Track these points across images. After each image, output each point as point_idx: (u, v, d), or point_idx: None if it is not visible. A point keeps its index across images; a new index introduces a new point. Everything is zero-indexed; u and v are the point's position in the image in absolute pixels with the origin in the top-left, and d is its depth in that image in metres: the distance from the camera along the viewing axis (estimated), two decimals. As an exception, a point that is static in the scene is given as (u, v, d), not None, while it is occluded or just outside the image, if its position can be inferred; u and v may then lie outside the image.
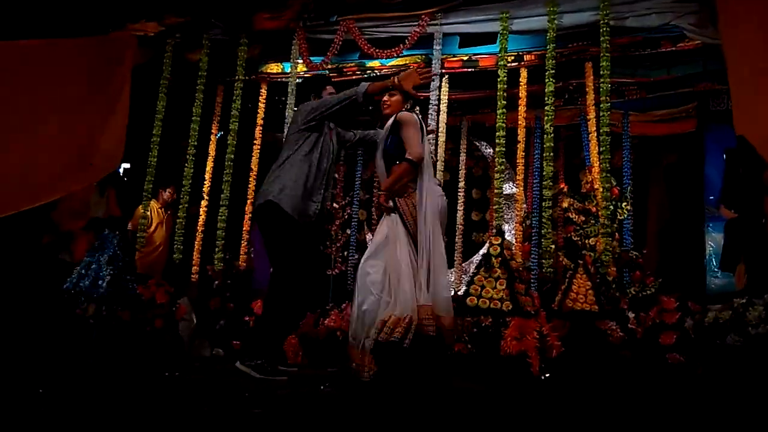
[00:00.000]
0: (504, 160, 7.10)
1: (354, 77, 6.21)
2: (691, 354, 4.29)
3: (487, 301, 4.02)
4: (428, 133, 3.95)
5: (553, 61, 5.19)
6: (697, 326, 4.35)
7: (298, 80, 6.05)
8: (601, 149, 5.03)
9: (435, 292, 3.44)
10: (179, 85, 6.09)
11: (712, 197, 6.41)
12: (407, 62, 5.98)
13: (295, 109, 3.83)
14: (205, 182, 6.35)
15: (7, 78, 4.73)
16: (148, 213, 5.97)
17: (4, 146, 4.61)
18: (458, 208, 7.18)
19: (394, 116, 3.61)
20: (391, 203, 3.52)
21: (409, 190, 3.55)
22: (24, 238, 5.13)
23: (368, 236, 7.94)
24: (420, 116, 3.70)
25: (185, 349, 5.08)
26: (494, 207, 5.26)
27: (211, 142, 6.52)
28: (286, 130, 5.98)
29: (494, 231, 4.63)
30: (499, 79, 5.35)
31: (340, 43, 5.70)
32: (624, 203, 5.77)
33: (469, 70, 5.92)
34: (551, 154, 5.30)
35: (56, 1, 5.09)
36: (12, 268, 5.04)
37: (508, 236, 7.08)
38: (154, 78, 5.92)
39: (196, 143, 5.97)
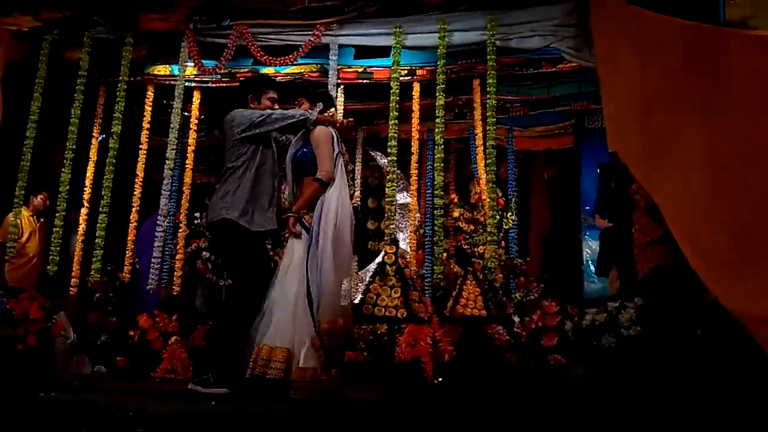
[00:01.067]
0: (398, 169, 7.31)
1: (247, 84, 6.09)
2: (571, 355, 4.57)
3: (383, 309, 4.07)
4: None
5: (444, 77, 5.38)
6: (576, 329, 4.64)
7: (186, 83, 5.85)
8: (487, 161, 5.26)
9: (324, 299, 3.36)
10: (57, 84, 5.67)
11: (588, 207, 6.89)
12: (302, 70, 5.96)
13: (230, 117, 3.63)
14: (85, 188, 5.94)
15: None
16: (19, 222, 5.49)
17: None
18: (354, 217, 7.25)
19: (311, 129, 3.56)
20: (298, 227, 3.45)
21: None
22: None
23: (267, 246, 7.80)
24: (335, 130, 3.64)
25: (59, 367, 4.73)
26: (387, 215, 5.34)
27: (92, 146, 6.11)
28: (171, 136, 5.80)
29: (389, 240, 4.70)
30: (392, 92, 5.46)
31: (234, 48, 5.57)
32: (509, 213, 6.07)
33: (364, 81, 6.01)
34: (442, 164, 5.49)
35: None
36: None
37: (402, 244, 7.21)
38: (29, 76, 5.48)
39: (74, 147, 5.58)
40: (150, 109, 6.15)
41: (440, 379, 4.74)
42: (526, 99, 6.67)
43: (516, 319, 5.16)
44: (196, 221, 6.25)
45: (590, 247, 6.78)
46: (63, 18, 5.30)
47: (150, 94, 6.20)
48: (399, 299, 4.09)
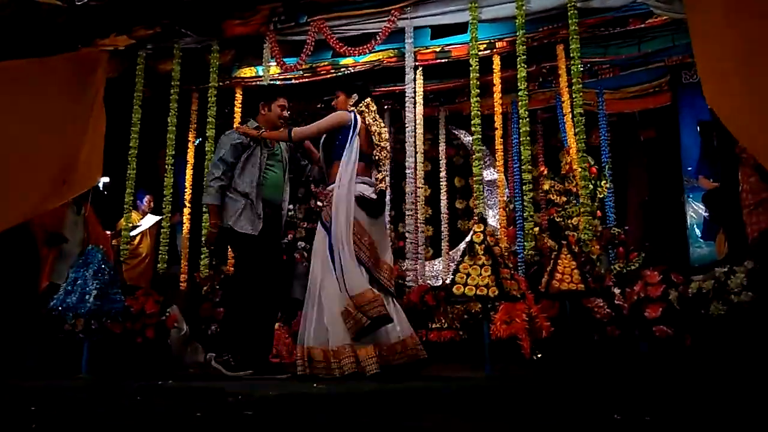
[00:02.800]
0: (483, 146, 7.19)
1: (328, 76, 6.24)
2: (678, 326, 4.36)
3: (474, 288, 4.05)
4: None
5: (524, 47, 5.23)
6: (681, 298, 4.42)
7: (272, 82, 6.06)
8: (576, 130, 5.08)
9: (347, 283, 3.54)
10: (154, 95, 6.08)
11: (690, 168, 6.49)
12: (381, 57, 6.01)
13: None
14: (186, 190, 6.34)
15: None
16: (131, 224, 5.96)
17: None
18: (441, 197, 7.25)
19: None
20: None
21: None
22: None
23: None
24: (361, 114, 3.82)
25: (175, 356, 5.09)
26: (475, 194, 5.30)
27: (189, 150, 6.50)
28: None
29: (477, 218, 4.67)
30: (471, 68, 5.38)
31: (313, 43, 5.71)
32: (603, 181, 5.82)
33: (443, 60, 5.96)
34: (528, 138, 5.35)
35: (26, 22, 5.04)
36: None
37: (492, 222, 7.14)
38: (128, 90, 5.90)
39: (173, 152, 5.97)
40: (240, 110, 6.44)
41: (539, 355, 4.68)
42: (615, 59, 6.33)
43: (617, 291, 4.97)
44: (290, 213, 6.50)
45: (694, 210, 6.39)
46: (154, 33, 5.67)
47: (239, 96, 6.49)
48: (490, 278, 4.03)
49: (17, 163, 4.78)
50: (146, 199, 6.36)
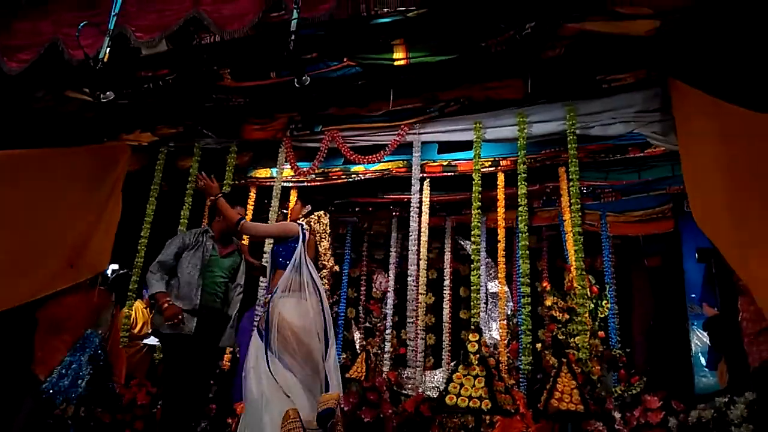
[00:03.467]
0: (488, 258, 7.30)
1: (339, 181, 6.49)
2: (678, 455, 4.21)
3: (466, 399, 3.99)
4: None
5: (525, 166, 5.43)
6: (681, 426, 4.31)
7: (283, 184, 6.31)
8: (575, 248, 5.17)
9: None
10: (171, 189, 6.33)
11: (693, 295, 6.47)
12: (390, 167, 6.26)
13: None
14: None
15: (6, 183, 4.98)
16: (133, 313, 6.01)
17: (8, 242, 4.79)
18: (444, 306, 7.25)
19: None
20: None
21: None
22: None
23: (356, 334, 7.93)
24: (309, 223, 4.06)
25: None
26: (473, 304, 5.33)
27: (200, 244, 6.65)
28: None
29: (473, 327, 4.67)
30: (473, 182, 5.58)
31: (326, 151, 6.00)
32: (604, 301, 5.82)
33: (449, 174, 6.19)
34: (527, 252, 5.42)
35: (56, 115, 5.40)
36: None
37: (495, 334, 7.07)
38: (146, 183, 6.17)
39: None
40: (252, 208, 6.66)
41: (537, 480, 4.49)
42: (616, 184, 6.53)
43: (617, 415, 4.84)
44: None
45: (699, 337, 6.30)
46: (177, 133, 6.01)
47: (252, 194, 6.73)
48: (483, 389, 3.99)
49: (32, 243, 4.97)
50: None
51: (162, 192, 6.20)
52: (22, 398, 5.11)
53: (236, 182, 6.45)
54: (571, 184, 5.27)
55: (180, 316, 3.92)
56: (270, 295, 3.79)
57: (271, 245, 4.02)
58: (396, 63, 4.68)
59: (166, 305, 3.92)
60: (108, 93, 3.87)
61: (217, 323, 4.15)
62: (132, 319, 6.03)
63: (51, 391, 4.71)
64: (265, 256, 5.13)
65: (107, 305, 5.67)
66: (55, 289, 5.08)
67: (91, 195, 5.50)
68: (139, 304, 6.23)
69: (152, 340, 6.34)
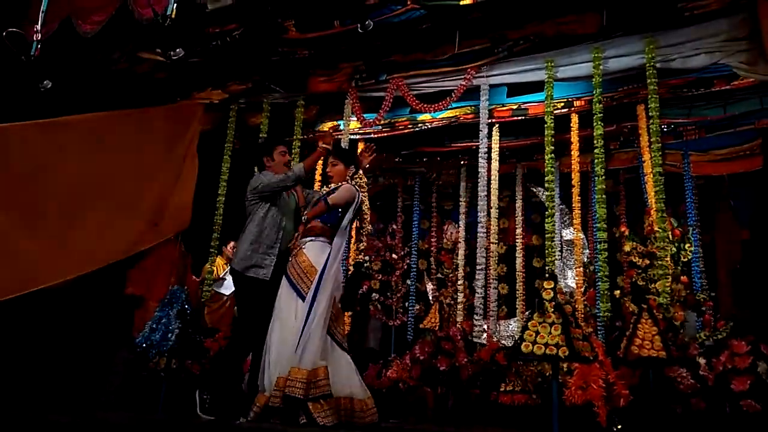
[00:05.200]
0: (562, 205, 7.11)
1: (406, 131, 6.43)
2: (768, 400, 4.05)
3: (543, 347, 3.94)
4: None
5: (601, 106, 5.20)
6: (772, 371, 4.13)
7: (351, 136, 6.31)
8: (656, 190, 4.95)
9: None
10: (243, 146, 6.47)
11: (785, 234, 6.12)
12: (457, 114, 6.14)
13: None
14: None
15: (88, 147, 5.22)
16: (215, 269, 6.24)
17: (87, 207, 5.04)
18: (517, 255, 7.15)
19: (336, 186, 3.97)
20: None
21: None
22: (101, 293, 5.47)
23: (429, 286, 7.97)
24: (359, 186, 4.09)
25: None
26: (547, 252, 5.22)
27: (272, 200, 6.80)
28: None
29: (547, 275, 4.58)
30: (546, 126, 5.39)
31: (392, 100, 5.93)
32: (687, 244, 5.57)
33: (519, 118, 6.01)
34: (604, 196, 5.24)
35: (131, 76, 5.57)
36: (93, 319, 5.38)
37: (570, 281, 6.94)
38: (220, 142, 6.32)
39: (258, 201, 6.27)
40: (321, 162, 6.70)
41: (619, 426, 4.43)
42: (699, 121, 6.16)
43: (702, 361, 4.68)
44: (365, 264, 6.59)
45: (790, 280, 5.97)
46: (246, 89, 6.08)
47: (321, 148, 6.77)
48: (560, 337, 3.92)
49: (116, 205, 5.20)
50: (230, 245, 6.66)
51: (235, 149, 6.34)
52: (118, 350, 5.48)
53: (305, 136, 6.49)
54: (651, 122, 5.02)
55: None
56: (306, 239, 3.83)
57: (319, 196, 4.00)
58: (462, 2, 4.52)
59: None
60: (178, 50, 3.94)
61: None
62: (214, 274, 6.27)
63: (144, 345, 4.98)
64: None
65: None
66: (143, 248, 5.33)
67: (168, 155, 5.69)
68: (219, 261, 6.46)
69: (225, 288, 6.53)
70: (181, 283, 5.82)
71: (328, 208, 3.87)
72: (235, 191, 6.43)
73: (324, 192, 4.07)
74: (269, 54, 5.46)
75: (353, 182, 4.08)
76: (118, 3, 4.49)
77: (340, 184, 3.99)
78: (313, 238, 3.84)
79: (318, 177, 6.34)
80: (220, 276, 6.39)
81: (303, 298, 3.66)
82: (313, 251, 3.79)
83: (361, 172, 4.24)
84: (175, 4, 3.83)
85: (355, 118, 6.25)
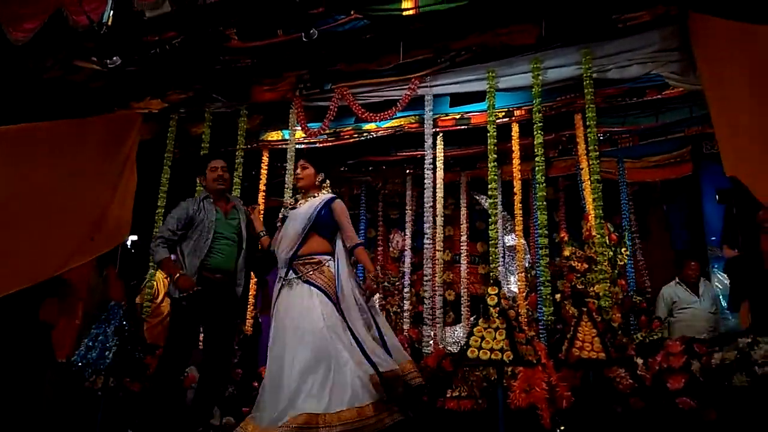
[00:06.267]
0: (504, 212, 7.26)
1: (351, 140, 6.43)
2: (702, 398, 4.22)
3: (488, 352, 3.99)
4: None
5: (540, 115, 5.34)
6: (704, 369, 4.30)
7: (296, 146, 6.26)
8: (594, 196, 5.11)
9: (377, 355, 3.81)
10: (184, 156, 6.32)
11: (714, 238, 6.43)
12: (402, 123, 6.19)
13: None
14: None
15: (19, 159, 4.98)
16: (155, 284, 6.06)
17: (17, 222, 4.81)
18: (462, 261, 7.25)
19: (328, 200, 3.96)
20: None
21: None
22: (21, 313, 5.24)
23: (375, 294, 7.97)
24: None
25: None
26: (491, 258, 5.31)
27: (215, 211, 6.66)
28: (286, 196, 6.19)
29: (492, 281, 4.67)
30: (488, 134, 5.49)
31: (336, 109, 5.92)
32: (623, 248, 5.77)
33: (462, 127, 6.10)
34: (544, 203, 5.38)
35: (65, 85, 5.36)
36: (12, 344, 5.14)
37: (513, 287, 7.08)
38: (160, 151, 6.15)
39: (200, 212, 6.12)
40: (266, 172, 6.64)
41: (562, 428, 4.53)
42: (633, 129, 6.42)
43: (639, 361, 4.85)
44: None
45: (719, 280, 6.28)
46: (187, 98, 5.96)
47: (265, 158, 6.71)
48: (504, 341, 3.98)
49: (49, 220, 4.98)
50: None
51: (175, 160, 6.17)
52: (44, 372, 5.24)
53: (248, 146, 6.40)
54: (588, 130, 5.18)
55: (194, 288, 3.88)
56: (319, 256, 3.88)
57: (315, 211, 3.94)
58: (405, 13, 4.56)
59: (178, 275, 3.90)
60: (115, 58, 3.82)
61: (230, 287, 4.11)
62: (154, 289, 6.08)
63: (80, 363, 4.79)
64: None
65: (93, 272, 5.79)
66: (78, 263, 5.12)
67: (106, 166, 5.49)
68: (160, 275, 6.27)
69: None
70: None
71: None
72: (175, 202, 6.29)
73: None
74: (211, 63, 5.37)
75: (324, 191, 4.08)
76: (52, 10, 4.32)
77: (314, 195, 4.03)
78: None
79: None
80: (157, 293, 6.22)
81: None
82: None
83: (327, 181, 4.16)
84: (112, 12, 3.72)
85: (300, 128, 6.21)
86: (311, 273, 3.81)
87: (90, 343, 4.83)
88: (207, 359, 4.04)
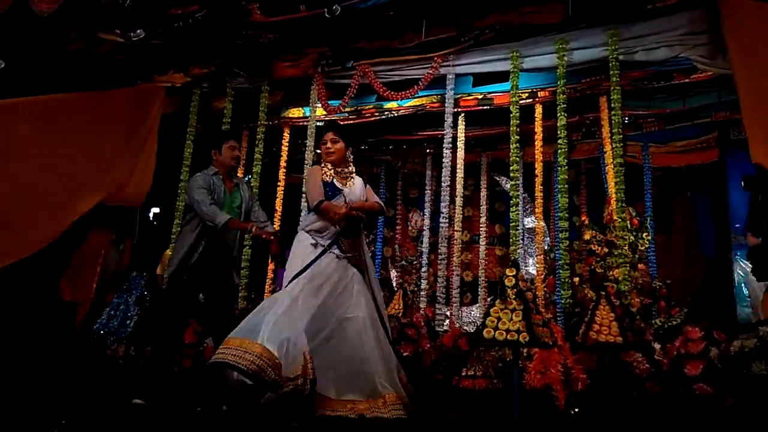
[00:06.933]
0: (525, 194, 7.21)
1: (372, 119, 6.41)
2: (719, 384, 4.20)
3: (504, 333, 4.00)
4: None
5: (564, 96, 5.27)
6: (723, 356, 4.27)
7: (317, 123, 6.26)
8: (616, 180, 5.05)
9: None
10: (206, 131, 6.35)
11: (738, 225, 6.33)
12: (424, 102, 6.15)
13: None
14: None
15: (49, 127, 5.06)
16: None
17: (37, 193, 4.91)
18: (481, 242, 7.23)
19: (363, 182, 3.99)
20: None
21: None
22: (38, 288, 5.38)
23: (393, 273, 8.01)
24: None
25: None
26: (512, 240, 5.29)
27: (237, 186, 6.72)
28: (305, 172, 6.21)
29: (510, 263, 4.66)
30: (511, 115, 5.44)
31: (357, 87, 5.89)
32: (644, 233, 5.72)
33: (485, 107, 6.05)
34: (566, 186, 5.33)
35: (89, 57, 5.40)
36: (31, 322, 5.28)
37: (531, 269, 7.06)
38: (182, 126, 6.19)
39: (221, 187, 6.18)
40: (286, 148, 6.65)
41: (576, 410, 4.54)
42: (659, 113, 6.30)
43: (657, 346, 4.83)
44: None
45: (742, 268, 6.19)
46: (209, 72, 5.98)
47: (286, 135, 6.71)
48: (521, 323, 3.98)
49: (70, 184, 5.08)
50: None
51: (198, 134, 6.22)
52: (63, 350, 5.38)
53: (269, 122, 6.42)
54: (612, 113, 5.11)
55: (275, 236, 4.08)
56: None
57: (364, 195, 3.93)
58: (428, -11, 4.51)
59: (254, 228, 4.05)
60: (138, 31, 3.84)
61: (228, 266, 4.20)
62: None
63: (102, 332, 4.89)
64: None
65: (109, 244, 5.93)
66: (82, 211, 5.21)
67: (128, 139, 5.56)
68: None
69: None
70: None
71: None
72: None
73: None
74: (233, 37, 5.36)
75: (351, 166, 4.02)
76: (77, -19, 4.35)
77: (351, 172, 3.97)
78: None
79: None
80: None
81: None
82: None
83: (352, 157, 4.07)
84: (137, -16, 3.73)
85: (321, 105, 6.20)
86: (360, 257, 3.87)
87: (112, 312, 4.93)
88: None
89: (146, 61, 5.63)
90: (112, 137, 5.42)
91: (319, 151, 6.59)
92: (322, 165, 3.93)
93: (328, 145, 3.88)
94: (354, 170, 3.98)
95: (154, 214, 7.05)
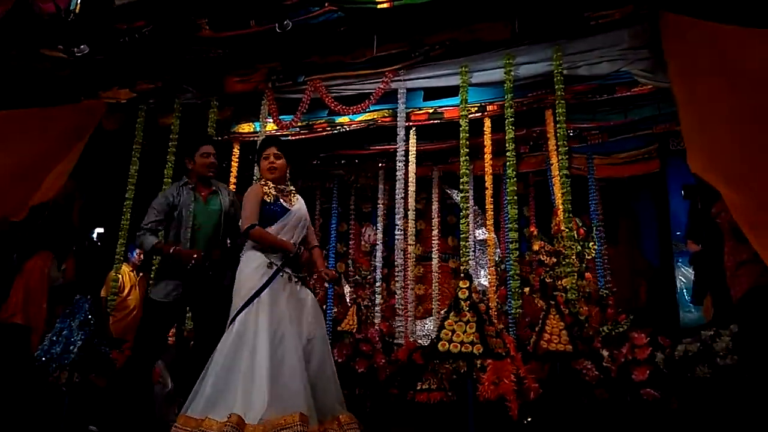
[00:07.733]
0: (475, 206, 7.32)
1: (324, 133, 6.40)
2: (665, 388, 4.33)
3: (458, 345, 4.03)
4: None
5: (512, 110, 5.39)
6: (668, 360, 4.41)
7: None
8: (563, 191, 5.18)
9: None
10: (152, 148, 6.20)
11: (678, 233, 6.57)
12: (375, 116, 6.18)
13: None
14: (180, 243, 6.37)
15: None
16: (120, 277, 5.96)
17: None
18: (433, 256, 7.29)
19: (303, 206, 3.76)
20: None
21: None
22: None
23: (346, 288, 7.98)
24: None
25: (158, 413, 4.99)
26: (462, 252, 5.35)
27: (185, 203, 6.57)
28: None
29: (462, 275, 4.70)
30: (461, 129, 5.53)
31: (309, 101, 5.88)
32: (591, 243, 5.88)
33: (435, 122, 6.12)
34: (515, 197, 5.44)
35: (32, 73, 5.22)
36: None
37: (483, 281, 7.15)
38: (127, 142, 6.03)
39: (169, 205, 6.03)
40: (236, 164, 6.56)
41: (529, 420, 4.60)
42: (603, 125, 6.52)
43: (605, 353, 4.95)
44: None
45: (684, 274, 6.44)
46: (156, 88, 5.85)
47: (236, 151, 6.63)
48: (474, 335, 4.02)
49: None
50: (137, 252, 6.37)
51: (144, 151, 6.06)
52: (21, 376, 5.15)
53: (219, 138, 6.32)
54: (558, 126, 5.25)
55: (197, 255, 3.68)
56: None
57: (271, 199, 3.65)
58: (379, 6, 4.55)
59: (173, 249, 3.70)
60: (82, 47, 3.71)
61: (209, 279, 3.89)
62: (120, 282, 5.98)
63: (44, 358, 4.68)
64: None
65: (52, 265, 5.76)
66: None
67: (63, 152, 5.38)
68: (125, 268, 6.17)
69: None
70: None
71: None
72: (144, 195, 6.18)
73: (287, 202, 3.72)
74: (181, 53, 5.27)
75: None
76: (17, -4, 4.19)
77: (292, 191, 3.77)
78: None
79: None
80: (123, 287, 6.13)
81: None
82: None
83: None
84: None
85: (272, 120, 6.16)
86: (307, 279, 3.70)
87: (54, 338, 4.72)
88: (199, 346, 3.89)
89: (90, 76, 5.47)
90: (49, 154, 5.24)
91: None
92: (263, 183, 3.68)
93: (272, 159, 3.67)
94: (292, 189, 3.78)
95: (98, 234, 6.83)
